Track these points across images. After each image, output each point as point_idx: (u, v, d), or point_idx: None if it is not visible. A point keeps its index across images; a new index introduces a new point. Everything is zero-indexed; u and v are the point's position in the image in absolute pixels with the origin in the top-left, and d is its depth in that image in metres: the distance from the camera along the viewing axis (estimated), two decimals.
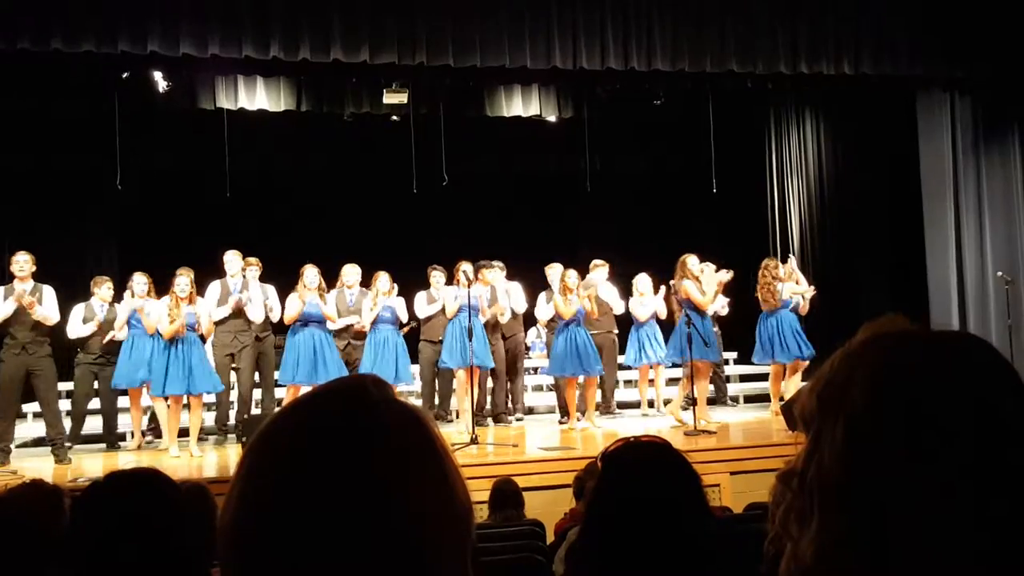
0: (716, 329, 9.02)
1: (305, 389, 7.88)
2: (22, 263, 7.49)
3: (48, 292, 7.65)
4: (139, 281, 8.00)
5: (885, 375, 0.73)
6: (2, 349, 7.49)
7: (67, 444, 7.62)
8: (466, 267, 8.54)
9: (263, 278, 8.63)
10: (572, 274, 8.55)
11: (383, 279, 8.54)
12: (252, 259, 8.64)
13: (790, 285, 8.87)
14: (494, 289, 8.89)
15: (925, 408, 0.70)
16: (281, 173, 11.66)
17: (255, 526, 0.70)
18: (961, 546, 0.67)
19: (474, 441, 7.38)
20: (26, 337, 7.42)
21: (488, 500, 4.62)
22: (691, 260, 8.47)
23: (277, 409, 0.80)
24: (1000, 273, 9.28)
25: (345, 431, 0.72)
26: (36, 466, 7.28)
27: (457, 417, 8.98)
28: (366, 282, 8.80)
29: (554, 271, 9.02)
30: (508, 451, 7.29)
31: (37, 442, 8.31)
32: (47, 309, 7.53)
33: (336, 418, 0.73)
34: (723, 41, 8.74)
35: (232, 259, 8.57)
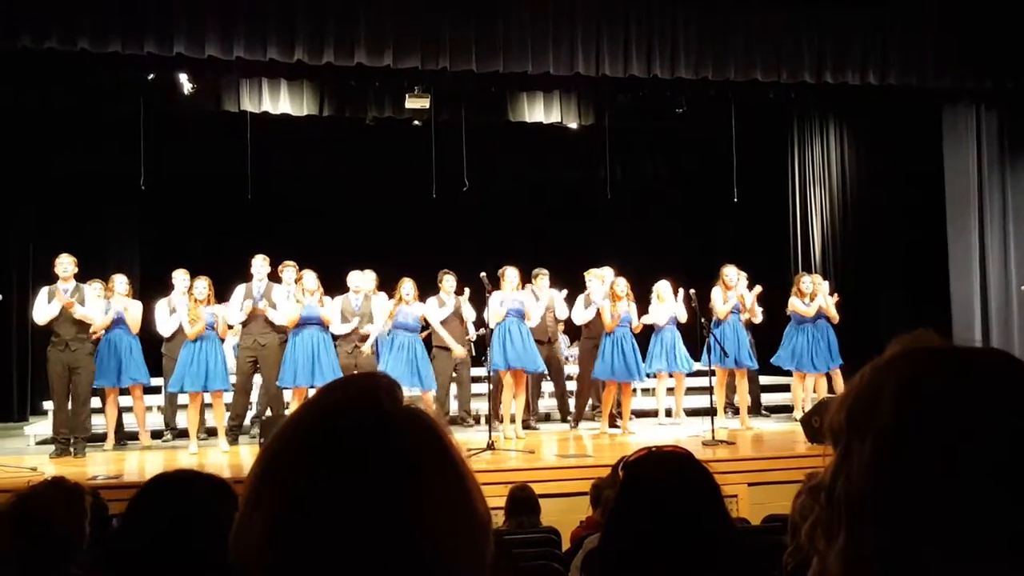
0: (751, 338, 9.05)
1: (311, 392, 7.99)
2: (65, 264, 7.79)
3: (90, 292, 7.88)
4: (120, 281, 8.13)
5: (915, 390, 0.72)
6: (48, 346, 7.76)
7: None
8: (510, 271, 8.52)
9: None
10: (621, 282, 8.56)
11: (407, 285, 8.55)
12: (289, 262, 8.69)
13: (792, 300, 9.02)
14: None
15: (956, 423, 0.69)
16: (303, 176, 11.71)
17: (270, 535, 0.70)
18: (993, 561, 0.67)
19: (490, 447, 7.38)
20: (69, 334, 7.69)
21: (504, 506, 4.61)
22: (726, 270, 8.84)
23: (288, 413, 0.80)
24: None
25: (365, 442, 0.71)
26: (50, 460, 7.38)
27: (477, 422, 9.00)
28: (387, 289, 8.85)
29: (592, 276, 9.02)
30: (524, 457, 7.29)
31: (54, 440, 8.36)
32: (88, 309, 7.76)
33: (354, 428, 0.72)
34: (748, 50, 8.71)
35: (259, 264, 8.63)
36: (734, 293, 8.84)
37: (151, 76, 9.21)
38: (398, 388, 0.76)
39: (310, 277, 8.21)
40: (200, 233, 10.93)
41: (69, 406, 7.89)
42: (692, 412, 9.40)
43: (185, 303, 8.09)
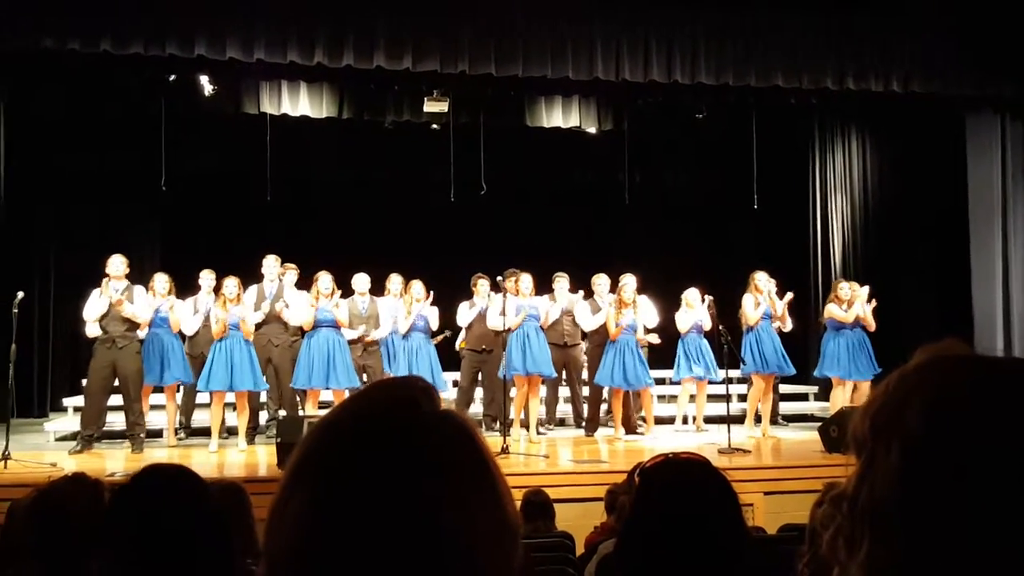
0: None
1: (326, 393, 8.01)
2: (117, 264, 7.93)
3: (139, 292, 7.99)
4: (160, 280, 8.16)
5: (944, 398, 0.71)
6: (95, 342, 7.83)
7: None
8: (524, 278, 8.54)
9: (299, 284, 8.75)
10: (629, 289, 8.52)
11: (417, 287, 8.58)
12: (290, 264, 8.78)
13: (829, 306, 8.95)
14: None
15: (985, 433, 0.68)
16: (321, 179, 11.76)
17: (302, 527, 0.70)
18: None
19: (504, 451, 7.37)
20: (117, 332, 7.75)
21: (519, 510, 4.60)
22: (758, 275, 8.80)
23: (321, 415, 0.80)
24: None
25: (399, 445, 0.71)
26: (69, 455, 7.43)
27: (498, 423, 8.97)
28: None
29: (602, 281, 9.01)
30: (538, 462, 7.28)
31: (77, 435, 8.43)
32: (137, 308, 7.85)
33: (389, 430, 0.72)
34: (769, 55, 8.68)
35: (270, 264, 8.69)
36: (765, 299, 8.76)
37: (172, 77, 9.27)
38: (434, 391, 0.76)
39: (325, 279, 8.24)
40: (220, 234, 10.99)
41: (102, 403, 7.93)
42: (708, 419, 9.34)
43: (211, 303, 8.13)
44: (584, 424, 9.13)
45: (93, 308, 7.83)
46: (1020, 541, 0.65)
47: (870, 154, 11.23)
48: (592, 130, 11.13)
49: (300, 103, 10.02)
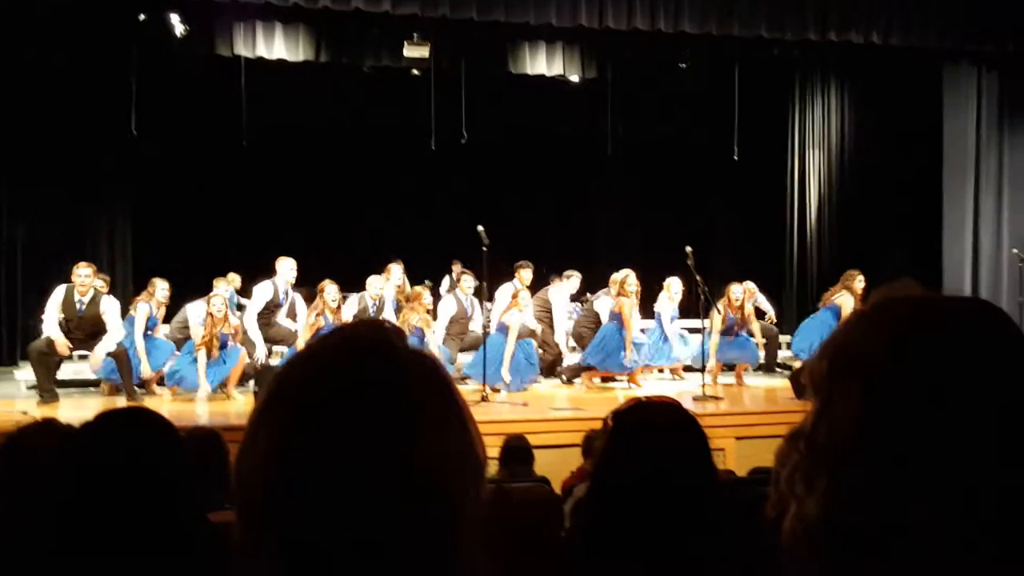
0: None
1: None
2: (83, 276, 7.25)
3: (109, 304, 7.43)
4: (161, 289, 7.95)
5: (905, 335, 0.72)
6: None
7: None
8: (525, 294, 8.40)
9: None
10: (631, 280, 8.41)
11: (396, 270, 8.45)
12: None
13: (846, 299, 8.55)
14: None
15: (944, 365, 0.69)
16: (298, 124, 11.54)
17: (274, 451, 0.71)
18: (984, 503, 0.67)
19: (484, 399, 7.42)
20: (79, 337, 7.40)
21: (499, 455, 4.66)
22: (733, 288, 8.56)
23: (293, 354, 0.81)
24: (1015, 250, 9.24)
25: (371, 378, 0.72)
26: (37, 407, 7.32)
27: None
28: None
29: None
30: (517, 410, 7.34)
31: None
32: (106, 342, 7.30)
33: (362, 365, 0.73)
34: (753, 6, 8.61)
35: (285, 267, 8.26)
36: (735, 311, 8.48)
37: (143, 17, 9.02)
38: (404, 333, 0.78)
39: (331, 289, 7.89)
40: (194, 180, 10.79)
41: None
42: (685, 369, 9.42)
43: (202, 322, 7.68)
44: (560, 372, 9.16)
45: (50, 325, 7.26)
46: (984, 471, 0.67)
47: (848, 107, 11.24)
48: (575, 78, 10.99)
49: (276, 46, 9.74)
